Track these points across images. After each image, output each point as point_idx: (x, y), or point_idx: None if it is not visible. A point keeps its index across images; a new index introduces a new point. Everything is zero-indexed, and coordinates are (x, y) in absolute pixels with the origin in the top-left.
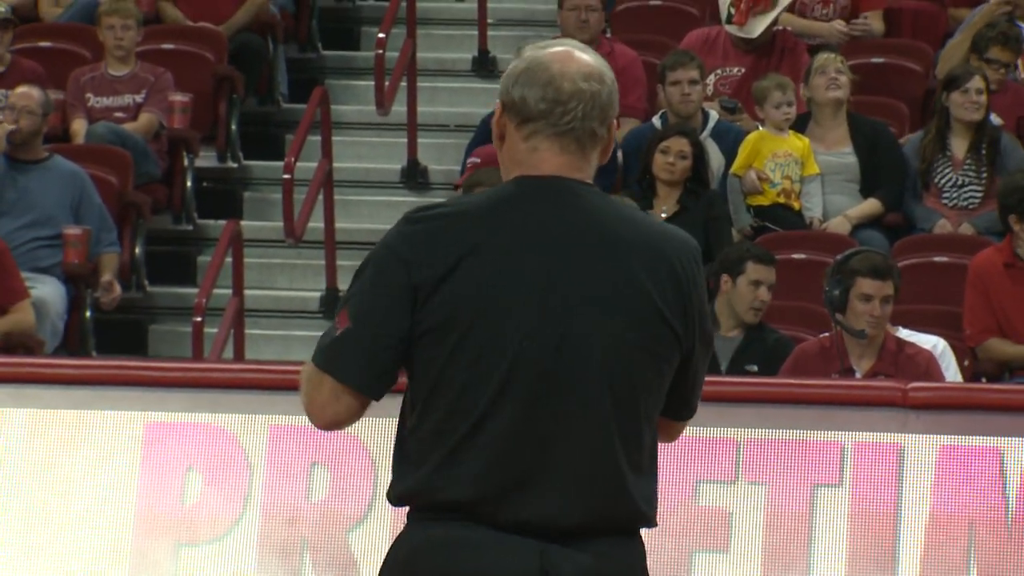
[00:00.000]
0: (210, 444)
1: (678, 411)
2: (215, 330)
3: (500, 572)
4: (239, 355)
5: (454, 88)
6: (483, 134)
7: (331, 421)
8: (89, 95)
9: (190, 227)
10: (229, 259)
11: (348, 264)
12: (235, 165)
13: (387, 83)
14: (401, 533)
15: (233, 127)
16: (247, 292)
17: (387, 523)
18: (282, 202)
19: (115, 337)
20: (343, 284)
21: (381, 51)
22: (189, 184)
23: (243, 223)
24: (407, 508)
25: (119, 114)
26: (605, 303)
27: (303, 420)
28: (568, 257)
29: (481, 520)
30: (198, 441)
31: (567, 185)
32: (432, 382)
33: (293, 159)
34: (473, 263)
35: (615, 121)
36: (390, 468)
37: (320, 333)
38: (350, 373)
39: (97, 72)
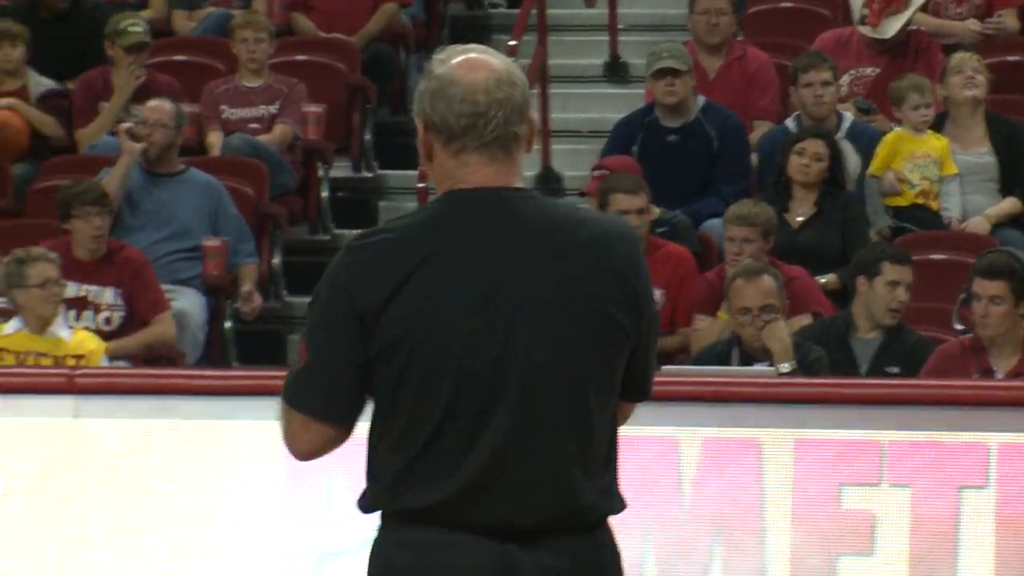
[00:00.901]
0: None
1: (633, 394)
2: None
3: (463, 571)
4: None
5: (586, 94)
6: (615, 140)
7: (306, 451)
8: (224, 107)
9: (326, 237)
10: None
11: None
12: (370, 175)
13: None
14: (374, 540)
15: (367, 137)
16: None
17: None
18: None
19: (255, 347)
20: None
21: (514, 58)
22: (324, 194)
23: None
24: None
25: (254, 126)
26: (546, 308)
27: None
28: (507, 266)
29: (443, 524)
30: (344, 448)
31: (497, 195)
32: (389, 400)
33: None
34: (413, 284)
35: (534, 115)
36: None
37: None
38: (312, 406)
39: (231, 84)
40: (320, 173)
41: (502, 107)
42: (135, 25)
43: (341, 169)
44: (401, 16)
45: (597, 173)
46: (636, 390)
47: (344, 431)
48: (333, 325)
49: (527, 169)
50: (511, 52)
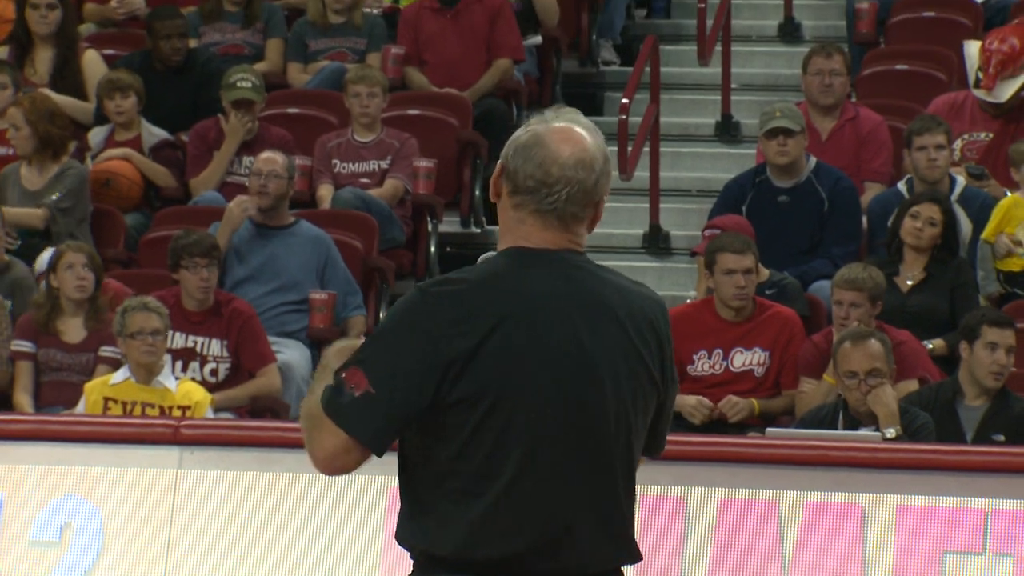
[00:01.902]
0: None
1: (652, 449)
2: None
3: None
4: None
5: (697, 153)
6: (725, 200)
7: (338, 470)
8: (335, 161)
9: None
10: None
11: None
12: (478, 230)
13: (630, 148)
14: None
15: (477, 192)
16: None
17: None
18: None
19: None
20: None
21: (624, 116)
22: (433, 249)
23: None
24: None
25: (364, 180)
26: (611, 367)
27: None
28: (576, 325)
29: (517, 574)
30: None
31: (562, 257)
32: (459, 445)
33: None
34: (496, 339)
35: (603, 200)
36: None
37: None
38: (366, 433)
39: (343, 138)
40: (429, 228)
41: (569, 185)
42: (243, 81)
43: (450, 224)
44: (514, 72)
45: (708, 232)
46: (657, 444)
47: (367, 459)
48: (409, 363)
49: (635, 227)
50: (623, 110)
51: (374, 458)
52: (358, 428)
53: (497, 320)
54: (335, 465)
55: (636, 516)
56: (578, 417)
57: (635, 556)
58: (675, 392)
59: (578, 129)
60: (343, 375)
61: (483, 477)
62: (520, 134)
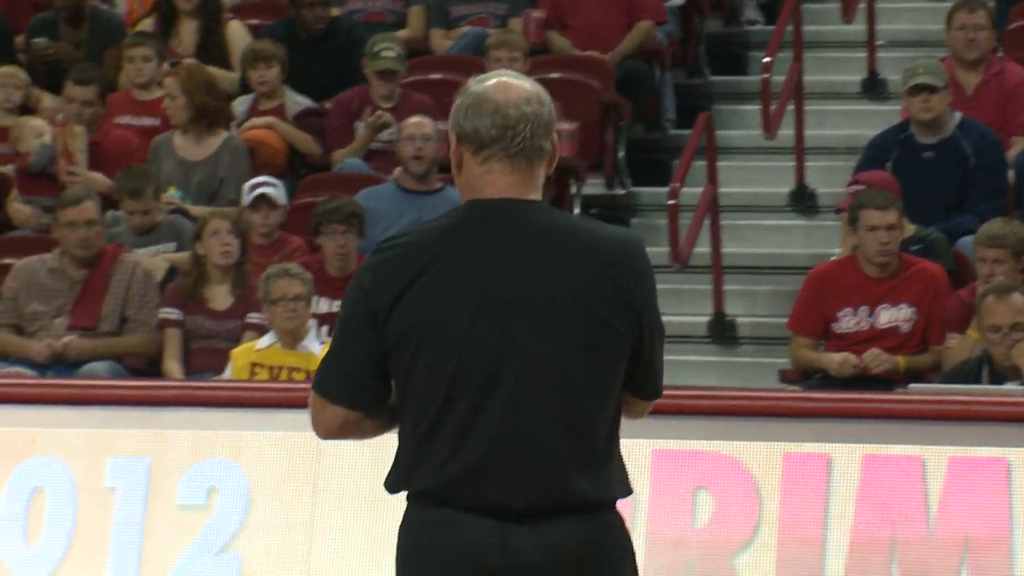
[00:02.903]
0: None
1: (640, 390)
2: None
3: (465, 546)
4: None
5: (843, 111)
6: (869, 157)
7: (325, 431)
8: None
9: None
10: None
11: (736, 289)
12: (622, 192)
13: (774, 107)
14: (404, 512)
15: (620, 154)
16: None
17: (772, 548)
18: (668, 228)
19: None
20: (731, 309)
21: (768, 75)
22: (576, 211)
23: None
24: None
25: None
26: (543, 309)
27: (687, 445)
28: (508, 272)
29: (448, 503)
30: None
31: (511, 204)
32: (402, 391)
33: (678, 185)
34: (419, 285)
35: (555, 135)
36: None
37: (708, 358)
38: (329, 390)
39: None
40: (572, 190)
41: (529, 122)
42: (387, 51)
43: (593, 186)
44: (656, 34)
45: (853, 188)
46: (643, 389)
47: (358, 415)
48: (352, 321)
49: (780, 186)
50: (766, 68)
51: None
52: (322, 386)
53: (422, 267)
54: (321, 427)
55: (603, 461)
56: (501, 361)
57: (575, 500)
58: (655, 334)
59: (508, 79)
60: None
61: (418, 416)
62: (462, 100)
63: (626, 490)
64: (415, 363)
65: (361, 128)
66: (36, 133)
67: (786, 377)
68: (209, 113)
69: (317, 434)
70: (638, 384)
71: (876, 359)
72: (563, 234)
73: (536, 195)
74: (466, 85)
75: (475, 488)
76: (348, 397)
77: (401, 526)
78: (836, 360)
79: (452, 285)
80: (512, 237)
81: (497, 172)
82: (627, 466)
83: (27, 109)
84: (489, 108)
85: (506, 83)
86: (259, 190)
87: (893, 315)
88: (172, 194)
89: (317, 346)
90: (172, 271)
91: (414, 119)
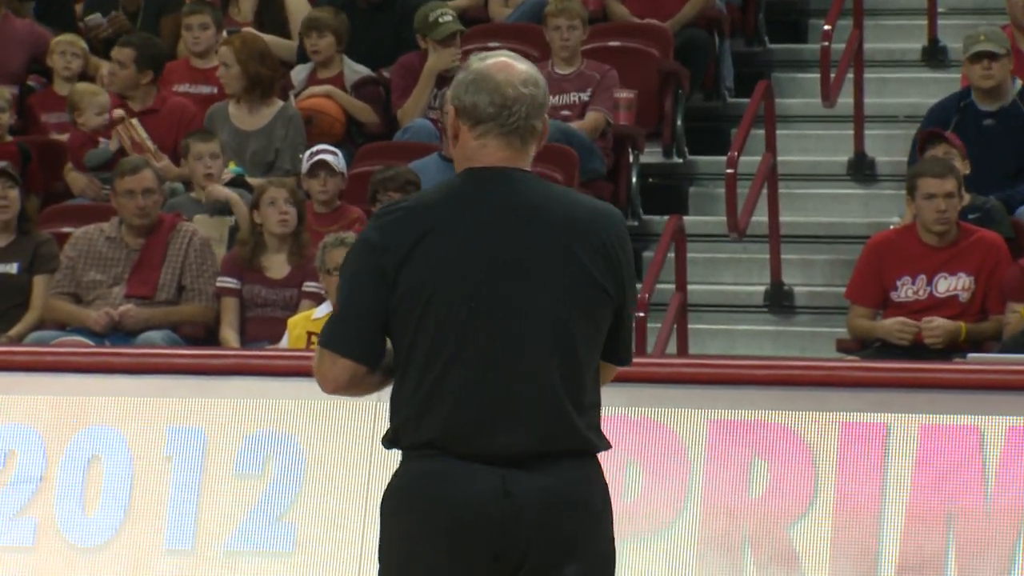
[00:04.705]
0: (651, 438)
1: (616, 356)
2: (659, 325)
3: (470, 494)
4: (682, 350)
5: (903, 79)
6: (929, 124)
7: (332, 386)
8: None
9: (635, 223)
10: (672, 254)
11: (793, 258)
12: (680, 160)
13: (833, 75)
14: (397, 468)
15: (678, 123)
16: (691, 287)
17: (828, 518)
18: (725, 197)
19: None
20: (789, 279)
21: (827, 43)
22: (634, 180)
23: (687, 218)
24: None
25: (565, 112)
26: (540, 269)
27: (743, 415)
28: (509, 233)
29: (451, 454)
30: (639, 435)
31: (508, 173)
32: (407, 346)
33: (736, 153)
34: (425, 245)
35: (547, 116)
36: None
37: (765, 328)
38: (341, 346)
39: (544, 71)
40: (631, 159)
41: (525, 102)
42: (445, 15)
43: (652, 155)
44: (716, 1)
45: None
46: (617, 353)
47: (364, 369)
48: (361, 278)
49: (839, 154)
50: (826, 36)
51: None
52: (332, 341)
53: (428, 229)
54: (327, 381)
55: (592, 412)
56: (503, 314)
57: (574, 437)
58: (631, 301)
59: (508, 59)
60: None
61: (425, 369)
62: (464, 76)
63: (607, 443)
64: (424, 320)
65: (419, 84)
66: (96, 106)
67: (843, 347)
68: (262, 83)
69: (324, 389)
70: (615, 348)
71: (932, 328)
72: (556, 201)
73: (526, 167)
74: (468, 61)
75: (480, 437)
76: (359, 352)
77: (397, 476)
78: (894, 327)
79: (456, 247)
80: (510, 202)
81: (492, 147)
82: (681, 433)
83: (86, 76)
84: (489, 86)
85: (506, 63)
86: (318, 156)
87: (952, 284)
88: (231, 170)
89: None
90: (231, 239)
91: None
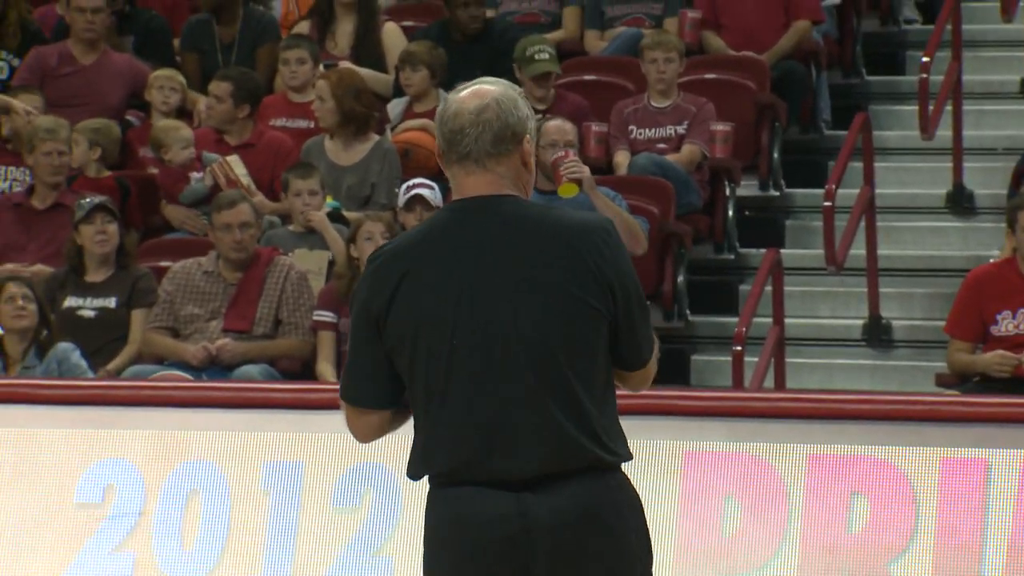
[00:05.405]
0: (749, 474)
1: (627, 363)
2: (756, 359)
3: (486, 518)
4: (780, 384)
5: (1001, 111)
6: None
7: (363, 435)
8: (632, 127)
9: (731, 256)
10: (770, 287)
11: (892, 292)
12: (777, 193)
13: (931, 107)
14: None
15: (775, 155)
16: (788, 320)
17: (929, 554)
18: (823, 230)
19: (660, 367)
20: (887, 312)
21: (926, 75)
22: (731, 213)
23: (784, 251)
24: None
25: (661, 145)
26: (521, 292)
27: (842, 449)
28: (487, 260)
29: (463, 481)
30: (737, 471)
31: (481, 202)
32: (409, 383)
33: (834, 186)
34: (405, 287)
35: (527, 136)
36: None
37: (863, 362)
38: (355, 397)
39: (640, 104)
40: (727, 192)
41: (475, 127)
42: (541, 53)
43: (748, 188)
44: (813, 33)
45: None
46: (629, 361)
47: (386, 415)
48: (359, 330)
49: (937, 187)
50: (924, 68)
51: None
52: (347, 394)
53: (406, 270)
54: (355, 432)
55: (599, 426)
56: (488, 345)
57: (579, 459)
58: (632, 308)
59: (484, 86)
60: None
61: (426, 407)
62: (441, 109)
63: (628, 454)
64: (414, 357)
65: None
66: (181, 141)
67: (943, 381)
68: (356, 119)
69: (357, 440)
70: (623, 356)
71: None
72: (533, 222)
73: (508, 191)
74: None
75: (485, 464)
76: (372, 402)
77: (426, 508)
78: (994, 360)
79: (436, 280)
80: (487, 229)
81: (460, 175)
82: (779, 469)
83: (184, 111)
84: (449, 114)
85: (474, 91)
86: (414, 191)
87: None
88: (328, 204)
89: None
90: (329, 273)
91: (554, 123)
